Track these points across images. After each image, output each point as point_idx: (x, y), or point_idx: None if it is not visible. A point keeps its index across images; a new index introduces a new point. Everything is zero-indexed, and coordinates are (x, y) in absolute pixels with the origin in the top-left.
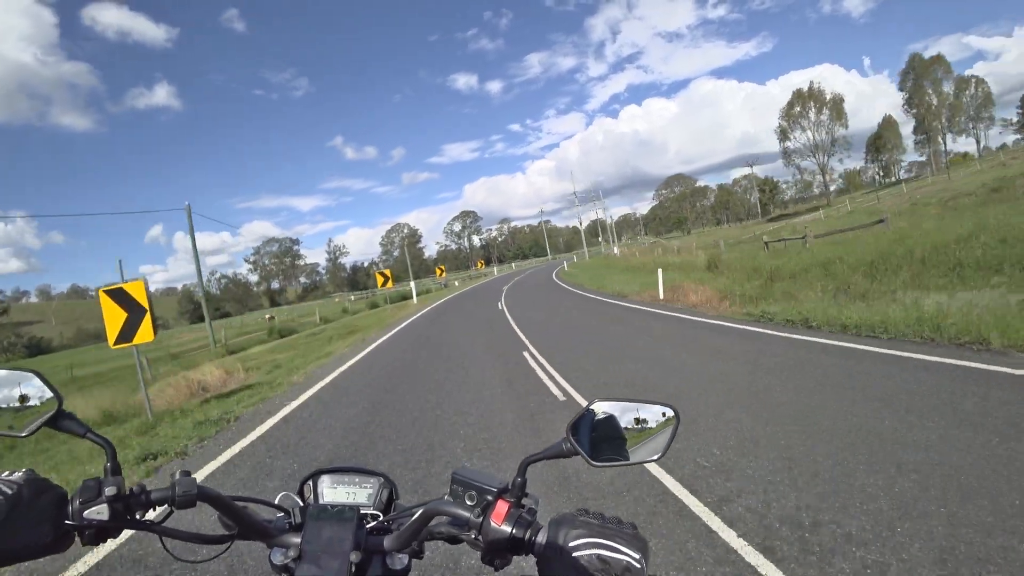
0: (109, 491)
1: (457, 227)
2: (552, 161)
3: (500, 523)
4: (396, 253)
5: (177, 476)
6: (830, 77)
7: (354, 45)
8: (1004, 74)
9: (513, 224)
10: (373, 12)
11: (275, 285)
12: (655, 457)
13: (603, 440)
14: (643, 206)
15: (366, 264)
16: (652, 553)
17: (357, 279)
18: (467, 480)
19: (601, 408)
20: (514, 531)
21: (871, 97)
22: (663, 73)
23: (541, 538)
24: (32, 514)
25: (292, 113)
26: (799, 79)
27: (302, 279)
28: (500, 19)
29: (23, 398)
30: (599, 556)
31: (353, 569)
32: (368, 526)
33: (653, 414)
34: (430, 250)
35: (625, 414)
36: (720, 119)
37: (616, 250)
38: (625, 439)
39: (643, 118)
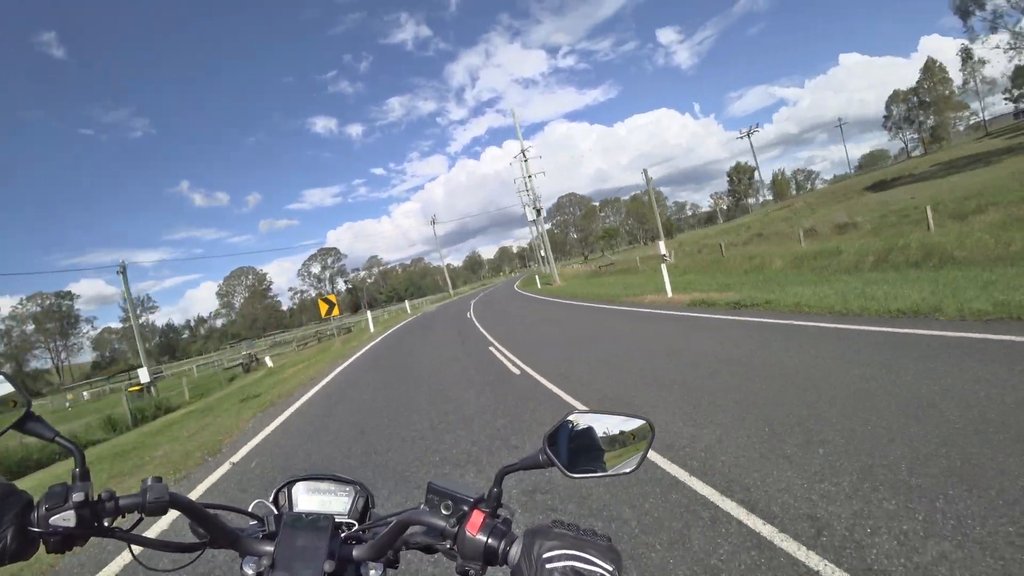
0: (77, 497)
1: (316, 268)
2: (417, 203)
3: (475, 533)
4: (240, 303)
5: (148, 482)
6: (666, 119)
7: (200, 83)
8: (801, 117)
9: (386, 264)
10: (220, 49)
11: (45, 363)
12: (629, 469)
13: (579, 451)
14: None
15: (193, 322)
16: (625, 565)
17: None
18: (443, 490)
19: (578, 419)
20: (489, 541)
21: (703, 136)
22: (521, 116)
23: (516, 549)
24: None
25: (128, 156)
26: (643, 121)
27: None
28: (360, 62)
29: None
30: (573, 568)
31: None
32: (343, 535)
33: (629, 426)
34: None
35: (601, 425)
36: (575, 158)
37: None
38: (601, 450)
39: (504, 159)
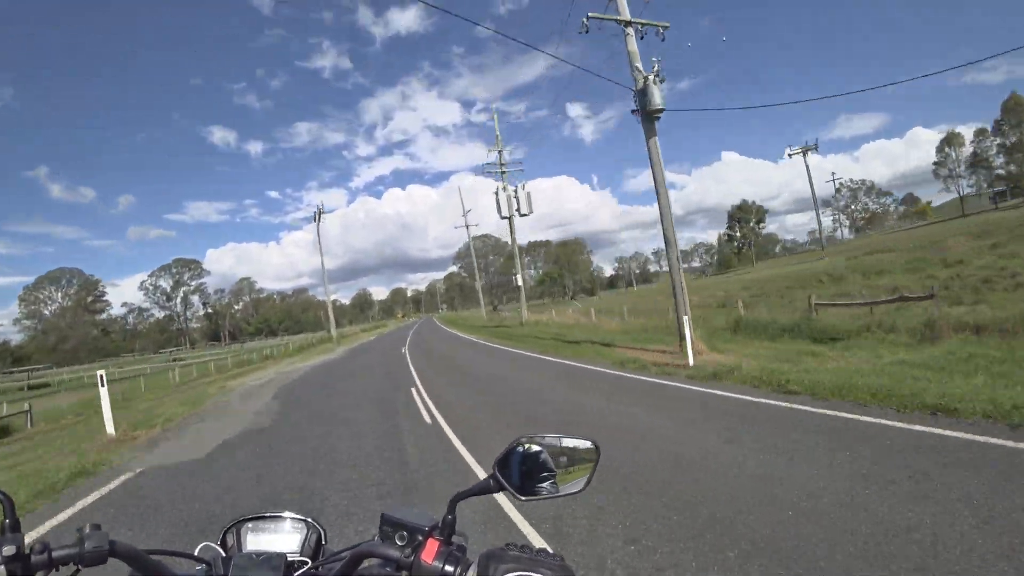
0: (7, 551)
1: (166, 283)
2: (310, 234)
3: (431, 561)
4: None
5: (87, 530)
6: (567, 186)
7: (90, 61)
8: (687, 200)
9: (260, 290)
10: (124, 30)
11: None
12: (578, 489)
13: (530, 473)
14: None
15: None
16: None
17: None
18: (396, 520)
19: (527, 443)
20: (445, 568)
21: (598, 206)
22: (428, 163)
23: (472, 573)
24: None
25: None
26: (545, 184)
27: None
28: (273, 79)
29: None
30: None
31: None
32: (296, 574)
33: (576, 448)
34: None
35: (549, 448)
36: (477, 211)
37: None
38: (551, 472)
39: (406, 201)
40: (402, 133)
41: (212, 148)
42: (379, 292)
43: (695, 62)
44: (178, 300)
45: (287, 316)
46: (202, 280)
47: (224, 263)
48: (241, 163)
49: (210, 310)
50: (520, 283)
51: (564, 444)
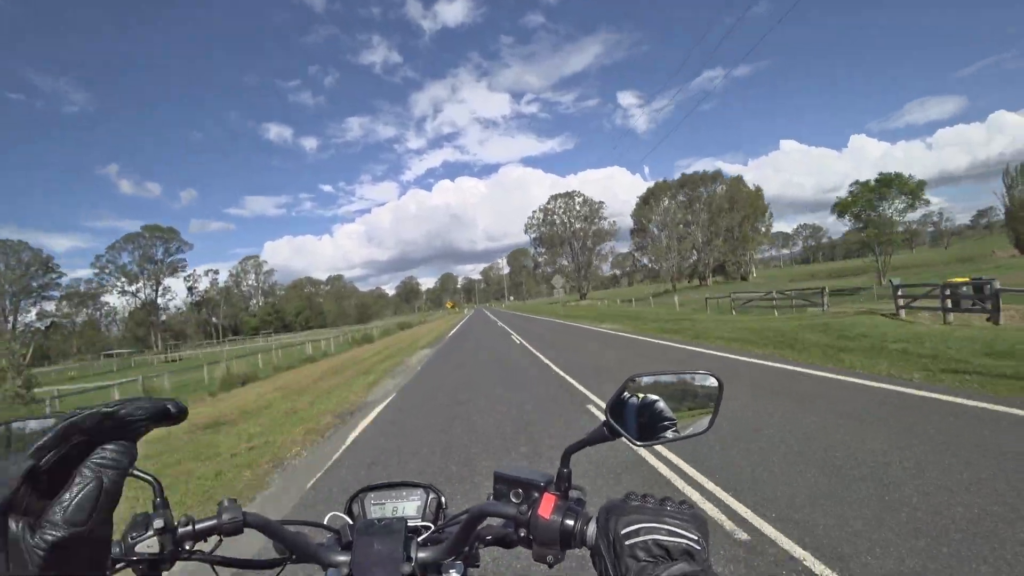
0: (157, 524)
1: (127, 257)
2: (362, 226)
3: (548, 517)
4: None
5: (225, 503)
6: (618, 176)
7: (154, 66)
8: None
9: (270, 272)
10: (184, 34)
11: None
12: (702, 430)
13: (645, 417)
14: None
15: None
16: (710, 533)
17: None
18: (510, 477)
19: (640, 384)
20: (564, 523)
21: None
22: (477, 155)
23: (592, 528)
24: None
25: (59, 129)
26: (595, 176)
27: None
28: (326, 76)
29: None
30: (656, 541)
31: None
32: (419, 538)
33: (695, 384)
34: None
35: (665, 387)
36: (525, 203)
37: None
38: (669, 413)
39: (455, 193)
40: (451, 126)
41: (268, 144)
42: (427, 283)
43: (755, 48)
44: (145, 280)
45: (307, 307)
46: (181, 255)
47: (281, 254)
48: (296, 158)
49: (196, 297)
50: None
51: (681, 380)
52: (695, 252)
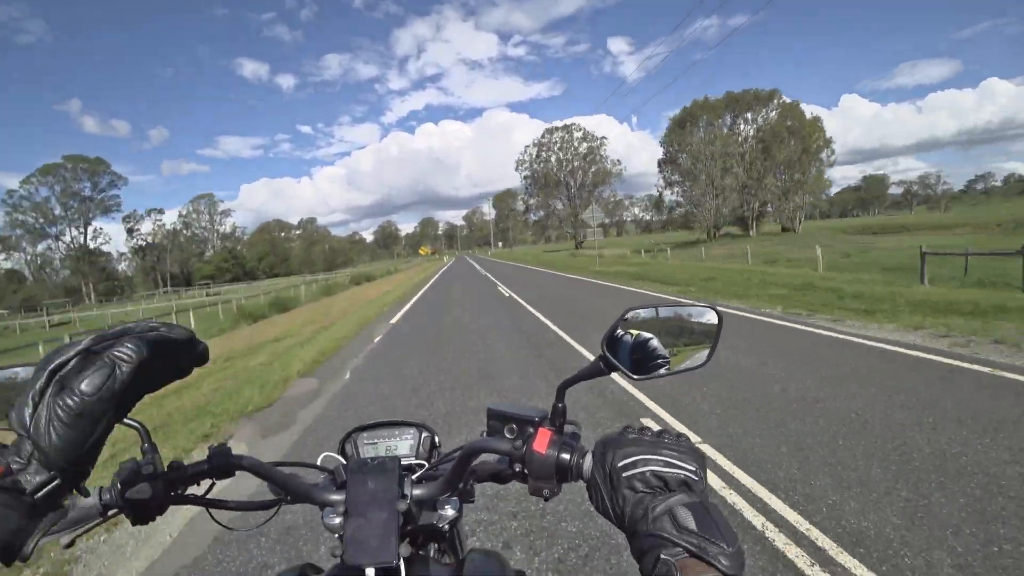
0: (147, 469)
1: (44, 193)
2: (343, 169)
3: (544, 451)
4: None
5: (215, 448)
6: (605, 125)
7: None
8: None
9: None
10: None
11: None
12: (699, 364)
13: (642, 351)
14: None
15: None
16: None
17: None
18: (504, 412)
19: (636, 316)
20: (560, 456)
21: (638, 149)
22: (462, 97)
23: (588, 462)
24: None
25: (13, 59)
26: (584, 124)
27: None
28: (303, 9)
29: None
30: (653, 472)
31: (402, 519)
32: (414, 476)
33: (693, 317)
34: None
35: (662, 320)
36: (510, 149)
37: None
38: (666, 347)
39: (439, 137)
40: (435, 66)
41: (243, 82)
42: (408, 228)
43: None
44: (68, 217)
45: (271, 252)
46: (115, 191)
47: (257, 197)
48: (273, 97)
49: (139, 240)
50: None
51: (678, 313)
52: (737, 194)
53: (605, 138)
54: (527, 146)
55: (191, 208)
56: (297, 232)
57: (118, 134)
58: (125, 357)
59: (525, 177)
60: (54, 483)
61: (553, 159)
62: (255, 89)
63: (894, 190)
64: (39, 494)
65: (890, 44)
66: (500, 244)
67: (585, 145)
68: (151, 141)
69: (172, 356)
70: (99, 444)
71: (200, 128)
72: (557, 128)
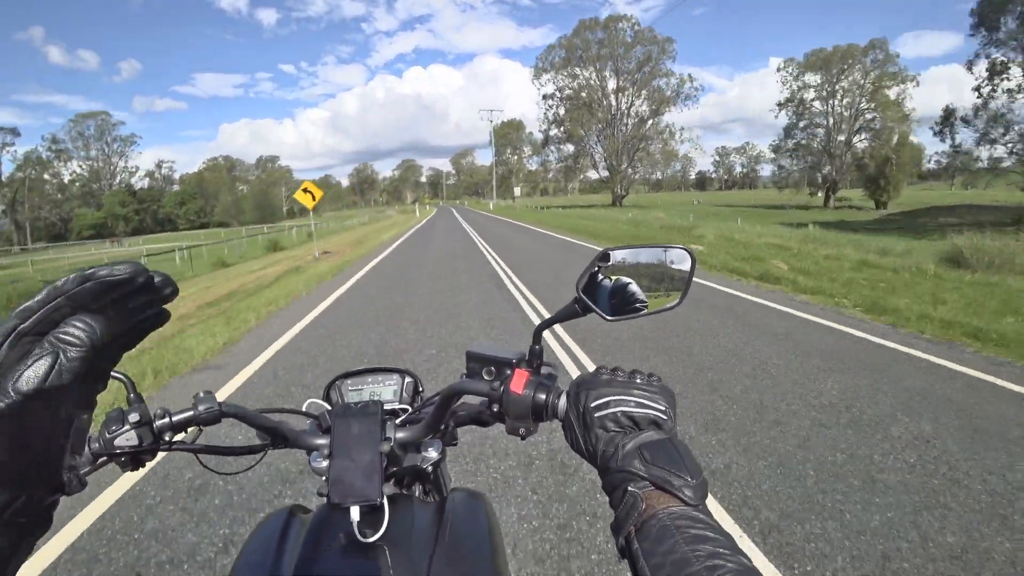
0: (133, 418)
1: None
2: (327, 112)
3: (520, 392)
4: None
5: (200, 395)
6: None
7: None
8: (725, 106)
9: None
10: None
11: None
12: (673, 304)
13: (617, 292)
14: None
15: None
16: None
17: None
18: (482, 355)
19: (611, 257)
20: (536, 396)
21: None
22: (452, 41)
23: (563, 402)
24: None
25: None
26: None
27: None
28: None
29: None
30: (624, 412)
31: (386, 460)
32: (397, 420)
33: (666, 258)
34: None
35: (636, 261)
36: (501, 97)
37: None
38: (640, 287)
39: (427, 83)
40: (425, 5)
41: (221, 14)
42: (387, 173)
43: None
44: None
45: (199, 194)
46: None
47: (238, 139)
48: (253, 33)
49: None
50: None
51: (651, 254)
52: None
53: (671, 39)
54: (552, 46)
55: (72, 129)
56: (257, 173)
57: (88, 66)
58: (73, 340)
59: (546, 97)
60: (18, 500)
61: (586, 75)
62: (234, 23)
63: None
64: (3, 516)
65: (895, 8)
66: (514, 195)
67: (640, 49)
68: (121, 74)
69: (135, 308)
70: (66, 434)
71: (175, 63)
72: (598, 21)
